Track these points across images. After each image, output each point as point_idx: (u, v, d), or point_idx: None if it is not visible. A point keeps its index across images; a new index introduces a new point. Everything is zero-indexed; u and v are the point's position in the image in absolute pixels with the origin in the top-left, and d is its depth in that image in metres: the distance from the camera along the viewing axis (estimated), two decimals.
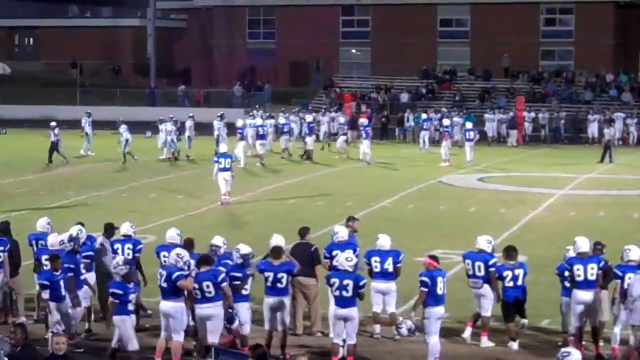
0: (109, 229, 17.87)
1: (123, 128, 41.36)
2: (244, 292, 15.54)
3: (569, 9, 72.42)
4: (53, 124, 40.84)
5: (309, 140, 43.82)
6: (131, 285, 15.09)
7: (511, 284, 16.16)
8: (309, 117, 47.21)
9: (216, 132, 43.68)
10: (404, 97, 65.02)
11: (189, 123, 43.56)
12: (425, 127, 49.10)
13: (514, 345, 16.13)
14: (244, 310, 15.61)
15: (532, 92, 63.58)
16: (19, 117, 63.70)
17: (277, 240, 16.03)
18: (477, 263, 16.27)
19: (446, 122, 44.63)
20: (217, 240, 16.49)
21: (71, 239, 16.85)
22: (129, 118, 62.77)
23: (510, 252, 16.38)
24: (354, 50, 76.64)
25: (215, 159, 30.89)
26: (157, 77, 75.57)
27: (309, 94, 69.12)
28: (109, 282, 15.38)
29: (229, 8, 77.69)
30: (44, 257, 16.64)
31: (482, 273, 16.23)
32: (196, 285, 14.98)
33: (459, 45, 73.59)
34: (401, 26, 72.04)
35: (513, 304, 16.19)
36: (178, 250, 15.58)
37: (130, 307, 14.97)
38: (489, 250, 16.46)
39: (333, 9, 75.86)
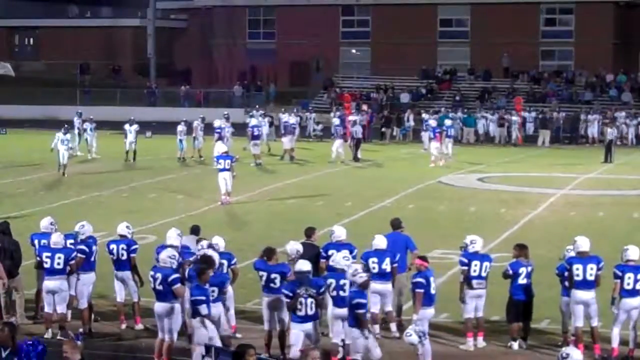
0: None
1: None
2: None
3: (569, 9, 72.46)
4: None
5: (285, 139, 43.94)
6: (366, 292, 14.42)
7: (525, 281, 16.16)
8: (284, 117, 47.73)
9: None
10: (404, 97, 65.03)
11: (196, 124, 43.46)
12: (425, 128, 49.16)
13: (514, 345, 16.12)
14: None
15: (532, 92, 63.59)
16: (19, 117, 63.69)
17: (293, 246, 16.07)
18: (485, 264, 16.23)
19: (433, 122, 44.37)
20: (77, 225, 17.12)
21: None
22: (128, 118, 62.85)
23: (525, 249, 16.42)
24: (354, 50, 76.65)
25: (215, 159, 30.86)
26: (157, 77, 75.57)
27: (309, 94, 69.13)
28: (353, 291, 14.44)
29: (229, 8, 77.71)
30: (44, 255, 16.65)
31: (486, 274, 16.25)
32: None
33: (459, 45, 73.62)
34: (401, 26, 72.05)
35: (524, 303, 16.16)
36: (170, 251, 15.51)
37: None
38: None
39: (333, 9, 75.89)
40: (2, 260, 17.22)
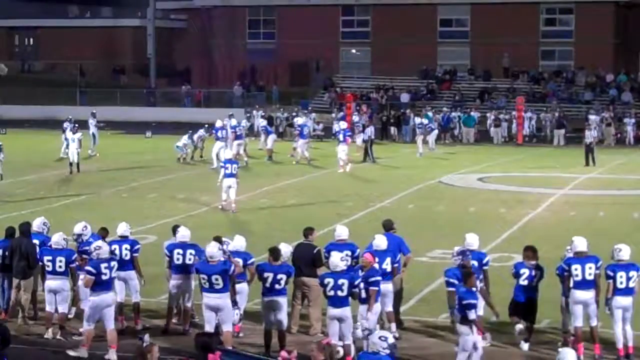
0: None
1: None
2: None
3: (569, 9, 72.46)
4: None
5: (269, 139, 43.94)
6: None
7: (525, 282, 16.14)
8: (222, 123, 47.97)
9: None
10: (404, 97, 65.02)
11: (200, 133, 43.33)
12: (433, 127, 49.19)
13: (517, 327, 16.07)
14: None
15: (532, 92, 63.61)
16: (19, 117, 63.74)
17: (287, 250, 16.07)
18: (473, 262, 16.21)
19: (343, 125, 42.97)
20: (77, 227, 17.24)
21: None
22: (128, 118, 62.87)
23: (531, 252, 16.39)
24: (354, 50, 76.66)
25: (222, 164, 30.67)
26: (157, 77, 75.60)
27: (309, 94, 69.14)
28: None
29: (229, 8, 77.73)
30: (46, 259, 16.58)
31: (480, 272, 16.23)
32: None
33: (459, 45, 73.63)
34: (401, 26, 72.05)
35: (524, 304, 16.15)
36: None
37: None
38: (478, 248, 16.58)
39: (333, 9, 75.90)
40: (18, 261, 17.21)
